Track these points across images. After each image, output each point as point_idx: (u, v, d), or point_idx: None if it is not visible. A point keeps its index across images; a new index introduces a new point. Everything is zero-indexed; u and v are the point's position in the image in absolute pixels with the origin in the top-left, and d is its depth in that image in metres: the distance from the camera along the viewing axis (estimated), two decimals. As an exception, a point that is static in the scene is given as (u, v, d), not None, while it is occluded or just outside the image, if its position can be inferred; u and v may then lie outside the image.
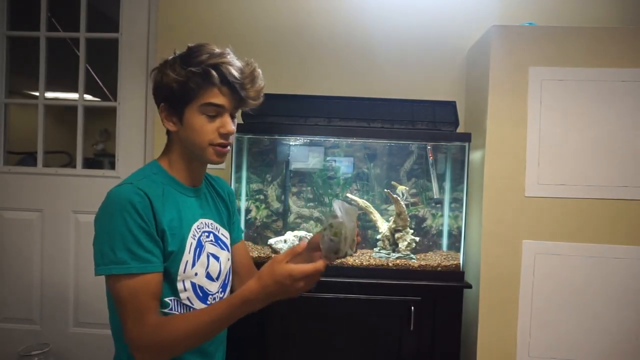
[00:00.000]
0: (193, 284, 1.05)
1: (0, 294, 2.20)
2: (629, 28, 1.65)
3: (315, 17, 2.04)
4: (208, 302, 1.08)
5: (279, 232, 1.86)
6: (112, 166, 2.21)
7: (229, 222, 1.26)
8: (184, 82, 1.00)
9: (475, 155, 1.76)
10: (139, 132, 2.15)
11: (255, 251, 1.73)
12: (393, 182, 1.85)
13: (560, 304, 1.62)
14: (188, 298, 1.04)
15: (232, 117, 1.07)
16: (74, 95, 2.23)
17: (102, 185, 2.16)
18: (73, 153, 2.26)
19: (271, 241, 1.73)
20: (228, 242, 1.20)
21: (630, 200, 1.60)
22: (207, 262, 1.09)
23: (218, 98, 1.02)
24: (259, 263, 1.64)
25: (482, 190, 1.65)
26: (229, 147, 1.08)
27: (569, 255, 1.61)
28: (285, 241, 1.72)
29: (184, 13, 2.05)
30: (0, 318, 2.20)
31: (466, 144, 1.69)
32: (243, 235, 1.38)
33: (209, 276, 1.09)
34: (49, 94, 2.26)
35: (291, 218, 1.91)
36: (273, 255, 1.69)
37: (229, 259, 1.19)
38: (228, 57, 1.04)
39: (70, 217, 2.18)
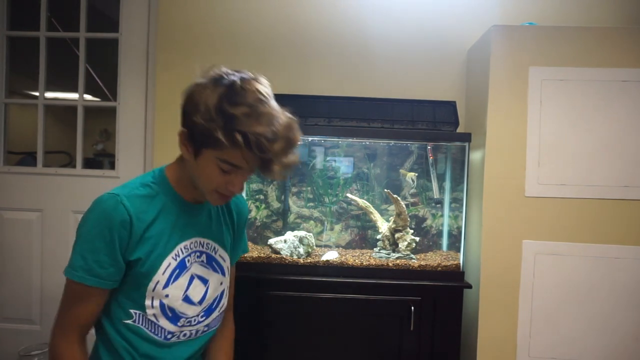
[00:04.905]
0: (162, 304, 1.01)
1: (0, 294, 2.20)
2: (629, 28, 1.65)
3: (315, 17, 2.04)
4: (178, 324, 1.04)
5: (279, 232, 1.86)
6: (112, 166, 2.21)
7: (236, 239, 1.20)
8: (209, 130, 0.89)
9: (475, 155, 1.76)
10: (139, 132, 2.15)
11: (255, 251, 1.73)
12: (401, 170, 1.84)
13: (560, 304, 1.62)
14: (154, 315, 1.01)
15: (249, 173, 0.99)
16: (74, 95, 2.23)
17: (102, 185, 2.16)
18: (73, 153, 2.26)
19: (271, 241, 1.73)
20: (225, 264, 1.14)
21: (631, 201, 1.60)
22: (187, 284, 1.04)
23: (239, 161, 0.92)
24: (259, 263, 1.65)
25: (482, 190, 1.65)
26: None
27: (569, 255, 1.61)
28: (285, 241, 1.72)
29: (184, 13, 2.05)
30: (0, 318, 2.20)
31: (466, 144, 1.69)
32: (246, 249, 1.28)
33: (187, 299, 1.04)
34: (49, 94, 2.25)
35: (291, 218, 1.91)
36: (273, 255, 1.69)
37: (222, 283, 1.12)
38: (267, 123, 0.89)
39: (70, 217, 2.18)
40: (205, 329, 1.11)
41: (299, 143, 0.96)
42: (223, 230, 1.15)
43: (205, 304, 1.08)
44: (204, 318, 1.09)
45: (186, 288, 1.04)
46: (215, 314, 1.12)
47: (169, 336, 1.04)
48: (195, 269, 1.06)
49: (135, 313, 1.01)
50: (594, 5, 1.99)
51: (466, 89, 2.00)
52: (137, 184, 1.02)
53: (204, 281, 1.08)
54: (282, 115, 0.93)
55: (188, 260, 1.05)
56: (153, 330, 1.02)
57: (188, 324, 1.06)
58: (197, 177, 0.99)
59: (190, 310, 1.05)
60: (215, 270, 1.11)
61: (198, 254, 1.07)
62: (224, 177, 0.95)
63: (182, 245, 1.04)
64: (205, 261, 1.09)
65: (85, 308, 0.98)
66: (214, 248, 1.12)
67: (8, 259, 2.19)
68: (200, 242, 1.08)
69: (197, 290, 1.06)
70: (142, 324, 1.01)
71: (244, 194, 1.83)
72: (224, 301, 1.15)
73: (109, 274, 0.96)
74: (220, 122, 0.88)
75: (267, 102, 0.92)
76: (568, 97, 1.60)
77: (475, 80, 1.85)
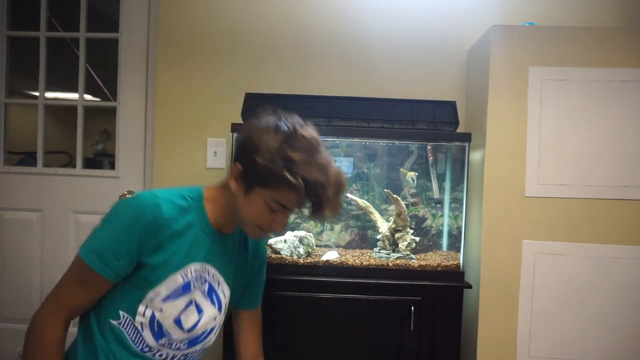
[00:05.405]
0: (153, 316, 1.00)
1: (0, 294, 2.19)
2: (629, 28, 1.65)
3: (315, 17, 2.04)
4: (159, 342, 1.03)
5: (278, 232, 1.85)
6: (112, 166, 2.21)
7: (242, 284, 1.20)
8: (269, 171, 0.93)
9: (475, 155, 1.76)
10: (139, 132, 2.15)
11: (255, 251, 1.73)
12: (401, 169, 1.84)
13: (561, 304, 1.62)
14: (141, 324, 1.01)
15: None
16: (74, 95, 2.23)
17: (102, 185, 2.17)
18: (73, 153, 2.26)
19: (271, 241, 1.73)
20: (225, 301, 1.13)
21: (630, 200, 1.60)
22: (183, 307, 1.03)
23: (290, 203, 0.98)
24: (259, 263, 1.65)
25: (482, 190, 1.65)
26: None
27: (569, 255, 1.61)
28: (285, 241, 1.72)
29: (184, 13, 2.05)
30: (0, 318, 2.20)
31: (466, 144, 1.69)
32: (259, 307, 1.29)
33: (178, 322, 1.03)
34: (49, 94, 2.25)
35: (291, 218, 1.90)
36: (273, 255, 1.69)
37: (215, 318, 1.11)
38: (322, 171, 0.95)
39: (70, 217, 2.18)
40: (182, 358, 1.10)
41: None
42: (232, 265, 1.15)
43: (193, 334, 1.07)
44: (185, 346, 1.08)
45: (181, 310, 1.03)
46: (198, 347, 1.11)
47: (146, 349, 1.03)
48: (196, 295, 1.06)
49: (124, 316, 1.00)
50: (594, 5, 1.99)
51: (466, 89, 2.00)
52: (177, 193, 1.04)
53: (200, 311, 1.07)
54: (331, 162, 1.00)
55: (193, 284, 1.04)
56: (133, 338, 1.01)
57: (168, 345, 1.05)
58: (241, 211, 1.02)
59: (176, 334, 1.04)
60: (212, 303, 1.10)
61: (203, 280, 1.07)
62: (269, 215, 1.00)
63: (192, 266, 1.04)
64: (206, 291, 1.08)
65: (83, 292, 0.98)
66: (218, 280, 1.11)
67: (8, 259, 2.19)
68: (207, 270, 1.08)
69: (190, 318, 1.05)
70: (125, 329, 1.01)
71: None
72: (211, 337, 1.13)
73: (119, 266, 0.96)
74: (280, 165, 0.92)
75: (321, 150, 0.99)
76: (568, 97, 1.60)
77: (475, 80, 1.85)
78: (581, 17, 1.98)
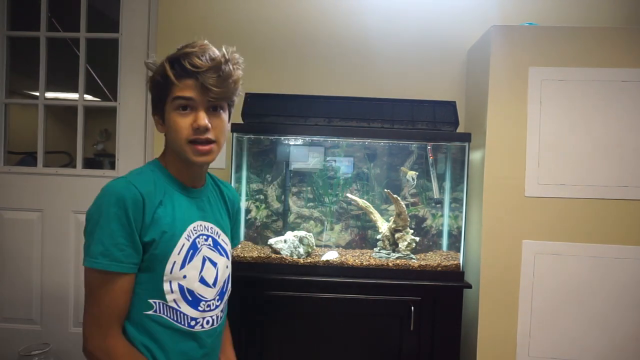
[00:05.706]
0: (181, 287, 1.02)
1: (0, 294, 2.20)
2: (629, 28, 1.65)
3: (315, 17, 2.04)
4: (199, 309, 1.05)
5: (279, 232, 1.86)
6: (112, 166, 2.21)
7: (232, 229, 1.26)
8: (154, 79, 1.04)
9: (475, 155, 1.76)
10: (139, 132, 2.15)
11: (255, 251, 1.73)
12: (402, 168, 1.85)
13: (560, 304, 1.62)
14: (175, 301, 1.02)
15: (215, 110, 1.04)
16: (74, 95, 2.23)
17: (102, 186, 2.16)
18: (73, 153, 2.26)
19: (271, 241, 1.73)
20: (228, 248, 1.18)
21: (630, 200, 1.60)
22: (201, 265, 1.06)
23: (183, 91, 1.00)
24: (259, 263, 1.65)
25: (482, 190, 1.65)
26: (211, 147, 1.03)
27: (569, 255, 1.61)
28: (285, 241, 1.72)
29: (184, 13, 2.05)
30: (0, 318, 2.20)
31: (466, 144, 1.69)
32: (239, 244, 1.37)
33: (203, 281, 1.06)
34: (49, 94, 2.26)
35: (291, 218, 1.91)
36: (273, 255, 1.69)
37: (227, 266, 1.16)
38: (196, 48, 1.02)
39: (70, 217, 2.18)
40: (221, 314, 1.13)
41: (237, 63, 1.08)
42: (222, 216, 1.20)
43: (217, 286, 1.11)
44: (219, 302, 1.11)
45: (200, 269, 1.06)
46: (226, 297, 1.16)
47: (192, 323, 1.05)
48: (206, 251, 1.09)
49: (155, 302, 1.00)
50: (594, 5, 1.99)
51: (466, 89, 2.00)
52: (137, 171, 1.05)
53: (214, 264, 1.10)
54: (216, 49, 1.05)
55: (198, 242, 1.07)
56: (175, 318, 1.02)
57: (208, 308, 1.08)
58: (172, 142, 1.04)
59: (208, 293, 1.07)
60: (221, 254, 1.13)
61: (205, 237, 1.10)
62: (187, 120, 1.01)
63: (191, 226, 1.06)
64: (211, 244, 1.11)
65: (115, 296, 0.96)
66: (217, 232, 1.15)
67: (8, 259, 2.19)
68: (204, 226, 1.10)
69: (209, 273, 1.08)
70: (163, 313, 1.01)
71: (244, 194, 1.84)
72: (230, 286, 1.18)
73: (128, 255, 0.96)
74: (163, 64, 1.03)
75: (197, 42, 1.05)
76: (568, 97, 1.60)
77: (475, 80, 1.85)
78: (581, 17, 1.98)
